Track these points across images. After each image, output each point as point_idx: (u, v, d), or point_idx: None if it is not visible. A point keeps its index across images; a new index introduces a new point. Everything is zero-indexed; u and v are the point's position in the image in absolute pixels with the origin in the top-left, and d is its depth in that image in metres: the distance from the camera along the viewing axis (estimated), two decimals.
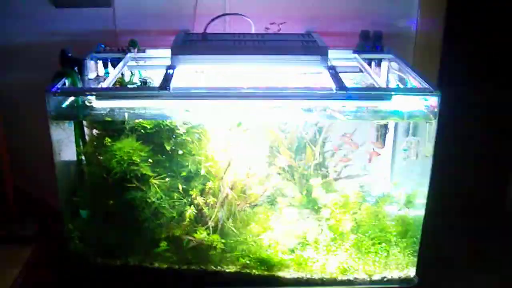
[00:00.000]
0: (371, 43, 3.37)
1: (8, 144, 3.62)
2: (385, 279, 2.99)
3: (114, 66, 3.18)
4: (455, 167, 3.55)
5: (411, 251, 3.00)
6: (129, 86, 3.06)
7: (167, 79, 2.67)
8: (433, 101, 2.67)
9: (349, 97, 2.64)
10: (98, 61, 3.21)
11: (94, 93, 2.61)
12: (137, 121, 2.73)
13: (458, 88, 3.45)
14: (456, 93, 3.29)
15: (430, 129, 2.78)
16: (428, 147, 2.83)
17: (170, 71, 2.77)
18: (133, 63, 3.19)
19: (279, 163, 3.10)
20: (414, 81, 2.89)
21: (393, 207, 3.14)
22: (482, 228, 3.65)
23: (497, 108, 3.64)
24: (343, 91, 2.60)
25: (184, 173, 2.84)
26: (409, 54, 3.64)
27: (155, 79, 3.05)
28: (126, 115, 2.66)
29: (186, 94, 2.62)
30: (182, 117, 2.73)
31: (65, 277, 2.98)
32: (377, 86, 2.84)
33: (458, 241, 3.48)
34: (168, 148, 2.79)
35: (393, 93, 2.68)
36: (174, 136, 2.80)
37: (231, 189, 2.88)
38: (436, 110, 2.67)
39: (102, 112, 2.66)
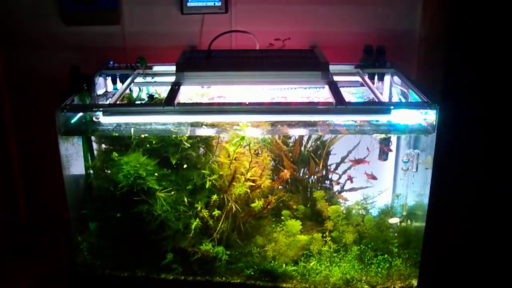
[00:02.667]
0: (374, 58, 3.43)
1: (21, 159, 3.74)
2: None
3: (122, 82, 3.30)
4: (457, 178, 3.58)
5: (413, 262, 3.04)
6: (137, 101, 3.14)
7: (172, 95, 2.75)
8: (432, 114, 2.73)
9: (348, 112, 2.71)
10: (108, 77, 3.32)
11: (101, 109, 2.70)
12: (143, 136, 2.81)
13: (461, 100, 3.49)
14: (458, 106, 3.35)
15: (429, 142, 2.84)
16: (428, 160, 2.88)
17: (176, 87, 2.85)
18: (140, 79, 3.28)
19: (282, 176, 3.15)
20: (414, 95, 2.95)
21: (395, 218, 3.19)
22: (484, 238, 3.66)
23: (500, 119, 3.66)
24: (343, 106, 2.67)
25: (189, 187, 2.90)
26: (413, 68, 3.69)
27: (163, 94, 3.14)
28: (133, 130, 2.74)
29: (190, 110, 2.71)
30: (187, 131, 2.80)
31: None
32: (377, 101, 2.90)
33: (459, 251, 3.50)
34: (173, 162, 2.87)
35: (392, 107, 2.73)
36: (179, 150, 2.87)
37: (235, 202, 2.94)
38: (434, 123, 2.72)
39: (109, 127, 2.76)
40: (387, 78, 3.41)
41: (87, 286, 3.01)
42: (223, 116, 2.73)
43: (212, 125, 2.83)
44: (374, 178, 3.28)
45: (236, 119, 2.74)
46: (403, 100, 3.12)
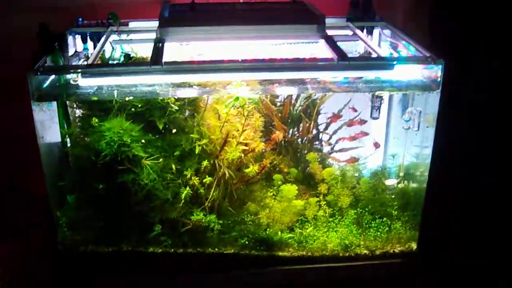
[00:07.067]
0: (361, 11, 3.24)
1: None
2: (387, 254, 2.91)
3: (94, 41, 3.00)
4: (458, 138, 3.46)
5: (413, 225, 2.93)
6: (110, 62, 2.86)
7: (157, 53, 2.50)
8: (436, 70, 2.57)
9: (350, 68, 2.53)
10: (77, 36, 3.02)
11: (79, 70, 2.42)
12: (127, 99, 2.56)
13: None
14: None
15: (431, 100, 2.69)
16: (429, 118, 2.73)
17: (159, 44, 2.59)
18: (115, 37, 2.99)
19: (275, 137, 2.96)
20: (412, 48, 2.78)
21: (392, 180, 3.05)
22: (486, 202, 3.57)
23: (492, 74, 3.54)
24: (345, 62, 2.48)
25: (177, 153, 2.69)
26: (398, 22, 3.52)
27: (140, 54, 2.87)
28: (115, 93, 2.48)
29: (179, 69, 2.45)
30: (175, 93, 2.56)
31: (56, 268, 2.80)
32: (377, 55, 2.71)
33: (460, 215, 3.41)
34: (160, 127, 2.64)
35: (395, 62, 2.55)
36: (166, 114, 2.63)
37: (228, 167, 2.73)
38: (439, 79, 2.57)
39: (89, 91, 2.49)
40: (376, 31, 3.23)
41: (69, 264, 2.76)
42: (216, 75, 2.49)
43: (201, 86, 2.58)
44: (378, 146, 3.17)
45: (230, 78, 2.52)
46: (396, 55, 2.94)
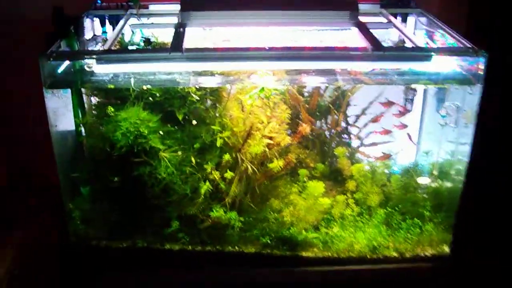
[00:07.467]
0: None
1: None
2: (417, 258, 2.73)
3: (112, 24, 2.86)
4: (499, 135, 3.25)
5: (446, 227, 2.74)
6: (129, 47, 2.71)
7: (178, 39, 2.33)
8: (477, 62, 2.37)
9: (385, 59, 2.34)
10: (95, 19, 2.87)
11: (94, 56, 2.26)
12: (144, 87, 2.40)
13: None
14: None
15: (470, 94, 2.49)
16: (469, 114, 2.53)
17: (181, 29, 2.43)
18: (134, 20, 2.82)
19: (302, 130, 2.78)
20: (450, 39, 2.58)
21: (425, 178, 2.87)
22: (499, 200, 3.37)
23: None
24: (380, 52, 2.29)
25: (197, 145, 2.54)
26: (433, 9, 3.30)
27: (161, 38, 2.72)
28: (132, 81, 2.33)
29: (201, 56, 2.28)
30: (196, 82, 2.40)
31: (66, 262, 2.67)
32: (413, 45, 2.51)
33: (497, 218, 3.21)
34: (180, 117, 2.49)
35: (433, 53, 2.36)
36: (186, 104, 2.47)
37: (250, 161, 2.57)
38: (481, 73, 2.37)
39: (104, 78, 2.33)
40: (411, 19, 3.03)
41: (80, 259, 2.63)
42: (240, 63, 2.33)
43: (224, 74, 2.42)
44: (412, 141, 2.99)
45: (255, 67, 2.34)
46: (432, 45, 2.75)
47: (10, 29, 3.12)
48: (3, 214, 3.14)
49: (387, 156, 2.93)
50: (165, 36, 2.68)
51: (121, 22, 2.71)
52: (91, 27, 2.87)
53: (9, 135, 3.34)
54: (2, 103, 3.29)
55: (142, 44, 2.71)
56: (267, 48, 2.29)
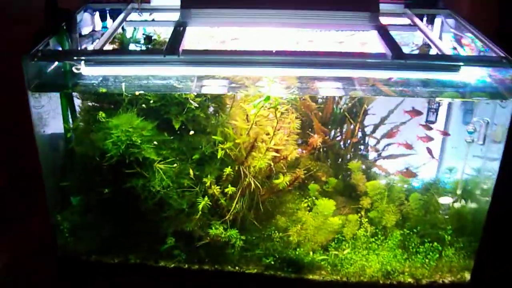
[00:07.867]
0: None
1: None
2: (435, 285, 2.49)
3: (114, 19, 2.66)
4: None
5: (468, 253, 2.51)
6: (131, 44, 2.52)
7: (175, 40, 2.12)
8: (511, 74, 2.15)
9: (406, 67, 2.09)
10: (95, 12, 2.69)
11: (83, 57, 2.05)
12: (138, 93, 2.21)
13: None
14: None
15: (501, 109, 2.25)
16: (498, 131, 2.28)
17: (180, 28, 2.21)
18: (135, 16, 2.62)
19: (313, 142, 2.56)
20: (480, 45, 2.34)
21: (447, 198, 2.62)
22: None
23: None
24: (401, 60, 2.04)
25: (196, 156, 2.34)
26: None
27: (163, 36, 2.57)
28: (123, 85, 2.12)
29: (199, 60, 2.07)
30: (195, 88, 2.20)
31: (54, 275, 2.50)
32: (440, 53, 2.25)
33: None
34: (177, 126, 2.29)
35: (461, 64, 2.10)
36: (184, 111, 2.28)
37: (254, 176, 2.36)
38: None
39: (93, 81, 2.13)
40: (438, 20, 2.79)
41: (69, 273, 2.45)
42: (242, 69, 2.12)
43: (227, 79, 2.22)
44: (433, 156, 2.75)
45: (259, 73, 2.15)
46: (460, 51, 2.52)
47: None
48: (3, 214, 2.98)
49: (412, 175, 2.68)
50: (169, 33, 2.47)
51: (120, 18, 2.52)
52: (91, 21, 2.69)
53: (9, 135, 3.19)
54: (2, 103, 3.13)
55: (142, 41, 2.52)
56: (274, 52, 2.08)
